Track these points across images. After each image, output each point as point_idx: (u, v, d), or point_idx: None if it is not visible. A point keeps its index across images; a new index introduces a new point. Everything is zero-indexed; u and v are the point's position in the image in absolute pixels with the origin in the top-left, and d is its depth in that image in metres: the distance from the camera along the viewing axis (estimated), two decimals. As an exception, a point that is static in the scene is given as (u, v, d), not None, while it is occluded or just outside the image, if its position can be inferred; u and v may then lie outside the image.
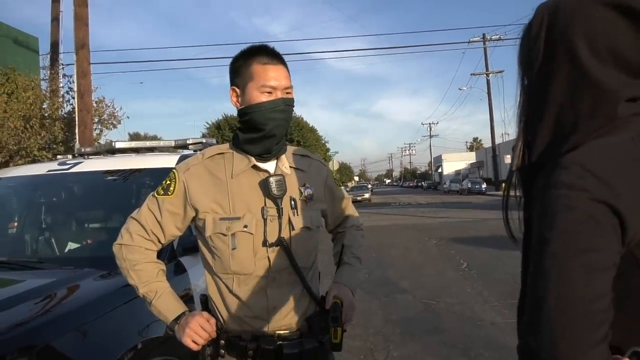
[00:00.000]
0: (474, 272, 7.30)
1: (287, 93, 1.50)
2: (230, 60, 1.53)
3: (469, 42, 34.97)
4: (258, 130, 1.48)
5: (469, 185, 40.79)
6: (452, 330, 4.64)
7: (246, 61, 1.50)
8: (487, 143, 59.83)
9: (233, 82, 1.53)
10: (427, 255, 9.27)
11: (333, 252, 1.75)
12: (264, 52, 1.50)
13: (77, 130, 10.28)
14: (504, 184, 0.92)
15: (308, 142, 36.56)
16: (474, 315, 5.07)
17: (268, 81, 1.46)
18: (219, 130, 34.01)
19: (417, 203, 30.00)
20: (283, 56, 1.52)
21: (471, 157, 68.21)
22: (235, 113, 1.58)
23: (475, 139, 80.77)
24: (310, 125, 40.35)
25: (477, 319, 4.94)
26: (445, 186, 51.77)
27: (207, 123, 36.32)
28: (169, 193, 1.50)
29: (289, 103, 1.50)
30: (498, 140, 39.80)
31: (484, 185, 39.82)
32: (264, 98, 1.46)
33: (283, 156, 1.56)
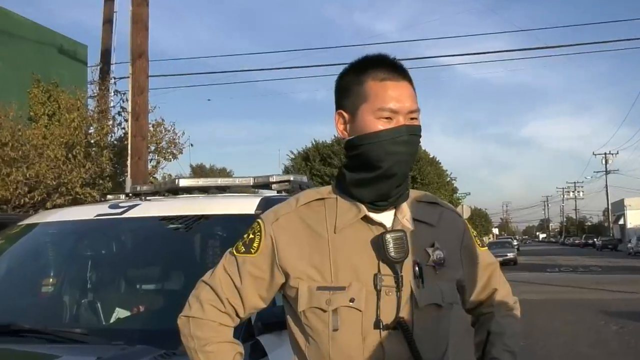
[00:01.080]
0: (677, 377, 6.73)
1: (411, 119, 1.51)
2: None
3: (665, 36, 33.25)
4: (373, 168, 1.50)
5: (667, 246, 38.02)
6: None
7: (358, 77, 1.54)
8: (694, 183, 55.64)
9: (339, 105, 1.57)
10: (604, 347, 8.76)
11: (475, 341, 1.71)
12: (382, 65, 1.53)
13: (129, 162, 10.98)
14: None
15: (427, 178, 36.39)
16: None
17: (387, 103, 1.49)
18: (306, 162, 34.85)
19: (587, 268, 28.45)
20: (408, 70, 1.55)
21: (670, 204, 63.81)
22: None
23: (675, 177, 75.72)
24: (431, 156, 40.13)
25: None
26: (630, 245, 48.79)
27: (292, 152, 37.42)
28: (252, 251, 1.55)
29: (414, 132, 1.51)
30: None
31: (690, 246, 36.90)
32: (382, 125, 1.49)
33: (404, 204, 1.56)
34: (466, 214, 34.74)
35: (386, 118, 1.49)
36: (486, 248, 1.75)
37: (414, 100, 1.53)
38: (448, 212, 1.66)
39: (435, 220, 1.60)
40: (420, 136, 1.55)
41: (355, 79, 1.54)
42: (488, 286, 1.72)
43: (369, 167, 1.50)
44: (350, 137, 1.54)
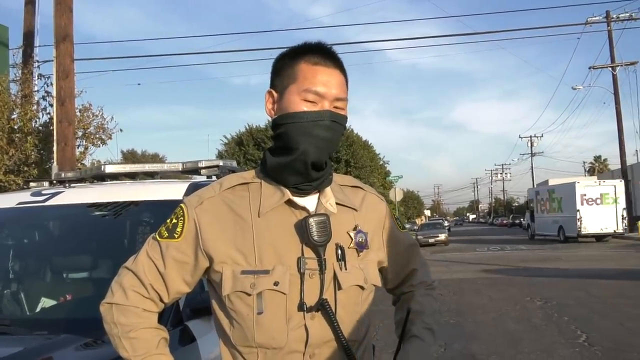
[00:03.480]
0: (596, 349, 7.05)
1: (336, 107, 1.53)
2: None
3: (586, 23, 34.41)
4: (291, 150, 1.51)
5: (590, 223, 39.39)
6: None
7: (293, 59, 1.56)
8: (614, 163, 58.21)
9: (272, 84, 1.59)
10: (528, 322, 9.03)
11: (395, 319, 1.76)
12: (317, 51, 1.55)
13: (55, 148, 10.67)
14: None
15: (360, 162, 36.74)
16: (597, 411, 4.89)
17: (314, 85, 1.51)
18: (240, 147, 34.66)
19: (514, 247, 29.37)
20: (342, 59, 1.58)
21: (591, 184, 66.11)
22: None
23: (597, 158, 78.80)
24: (364, 140, 40.54)
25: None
26: (554, 224, 50.34)
27: (225, 137, 37.15)
28: (176, 236, 1.54)
29: (337, 119, 1.53)
30: (630, 160, 38.55)
31: (610, 224, 38.27)
32: (306, 107, 1.51)
33: (327, 189, 1.59)
34: (399, 197, 35.24)
35: (311, 102, 1.50)
36: (406, 230, 1.80)
37: (342, 89, 1.55)
38: (370, 196, 1.69)
39: (357, 204, 1.63)
40: (343, 126, 1.57)
41: (289, 61, 1.56)
42: (408, 266, 1.77)
43: (288, 149, 1.51)
44: (276, 116, 1.56)
